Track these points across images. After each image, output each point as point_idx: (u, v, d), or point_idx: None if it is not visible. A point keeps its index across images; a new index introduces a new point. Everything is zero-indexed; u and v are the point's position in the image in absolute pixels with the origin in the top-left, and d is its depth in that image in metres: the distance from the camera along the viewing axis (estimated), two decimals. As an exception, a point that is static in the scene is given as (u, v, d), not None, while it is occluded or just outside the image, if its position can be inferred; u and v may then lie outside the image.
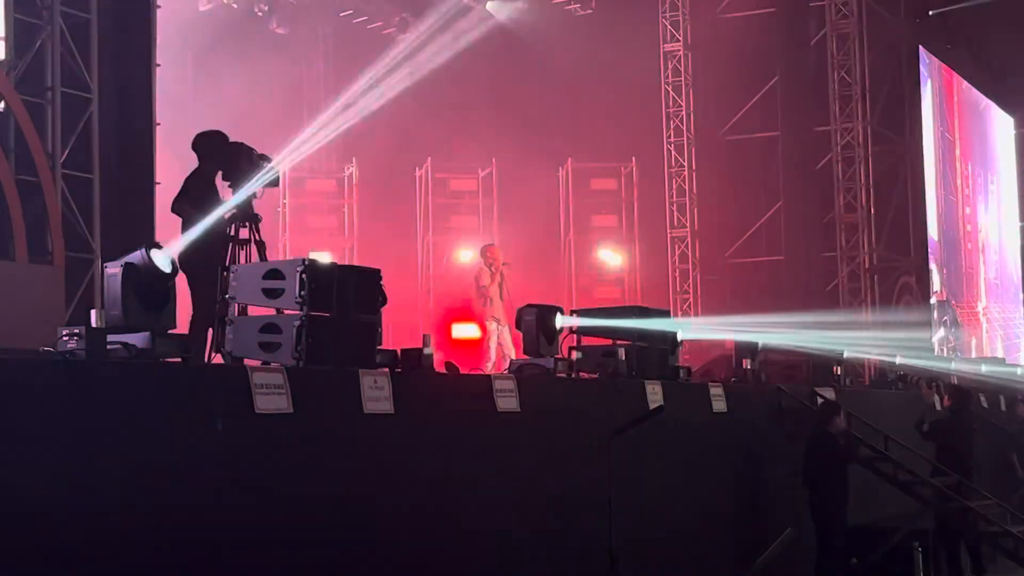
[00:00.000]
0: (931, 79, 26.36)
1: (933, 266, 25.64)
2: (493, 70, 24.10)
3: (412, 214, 23.67)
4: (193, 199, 10.43)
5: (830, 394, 13.73)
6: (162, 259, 7.90)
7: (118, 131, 13.38)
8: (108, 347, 7.16)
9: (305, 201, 23.17)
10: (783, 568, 11.88)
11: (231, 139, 10.78)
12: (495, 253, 17.55)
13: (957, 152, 28.41)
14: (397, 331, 18.82)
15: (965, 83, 29.17)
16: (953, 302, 27.12)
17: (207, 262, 9.98)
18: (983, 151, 30.66)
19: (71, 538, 5.97)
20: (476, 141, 23.61)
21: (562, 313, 11.12)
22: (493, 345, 16.93)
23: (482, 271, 17.33)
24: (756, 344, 13.77)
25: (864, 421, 13.70)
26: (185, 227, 10.40)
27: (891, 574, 13.39)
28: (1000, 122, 32.01)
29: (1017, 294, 31.92)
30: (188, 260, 9.82)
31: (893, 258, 24.12)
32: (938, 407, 15.66)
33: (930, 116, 26.05)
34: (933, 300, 25.11)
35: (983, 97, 30.68)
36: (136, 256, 7.86)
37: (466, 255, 23.24)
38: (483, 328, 17.25)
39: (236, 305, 8.40)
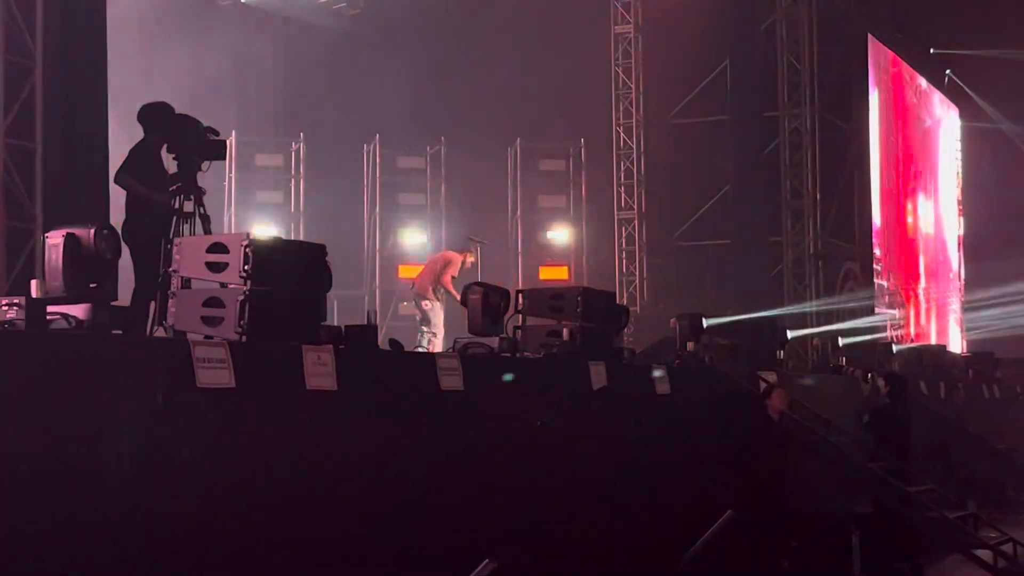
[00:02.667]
0: (879, 87, 26.56)
1: (877, 251, 25.88)
2: (443, 48, 24.03)
3: (359, 191, 23.57)
4: (137, 171, 10.35)
5: (773, 378, 13.80)
6: (107, 245, 7.83)
7: (65, 100, 13.20)
8: (48, 318, 7.09)
9: (251, 175, 23.00)
10: (722, 551, 11.95)
11: (178, 111, 10.71)
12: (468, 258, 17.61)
13: (900, 142, 28.65)
14: (343, 307, 18.89)
15: (908, 86, 29.37)
16: (900, 286, 27.46)
17: (150, 235, 9.92)
18: (924, 149, 30.93)
19: (4, 510, 5.91)
20: (425, 119, 23.55)
21: (508, 297, 11.11)
22: (439, 319, 16.99)
23: (453, 264, 17.28)
24: (700, 324, 13.84)
25: (805, 405, 13.79)
26: (128, 199, 10.33)
27: (828, 558, 13.52)
28: (945, 120, 32.35)
29: (951, 280, 32.33)
30: (131, 233, 9.77)
31: (838, 244, 24.28)
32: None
33: (876, 109, 26.26)
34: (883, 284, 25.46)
35: (931, 91, 30.94)
36: (82, 232, 7.79)
37: (414, 236, 23.23)
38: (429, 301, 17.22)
39: (179, 278, 8.33)
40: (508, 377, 9.95)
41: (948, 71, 31.58)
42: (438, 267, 17.33)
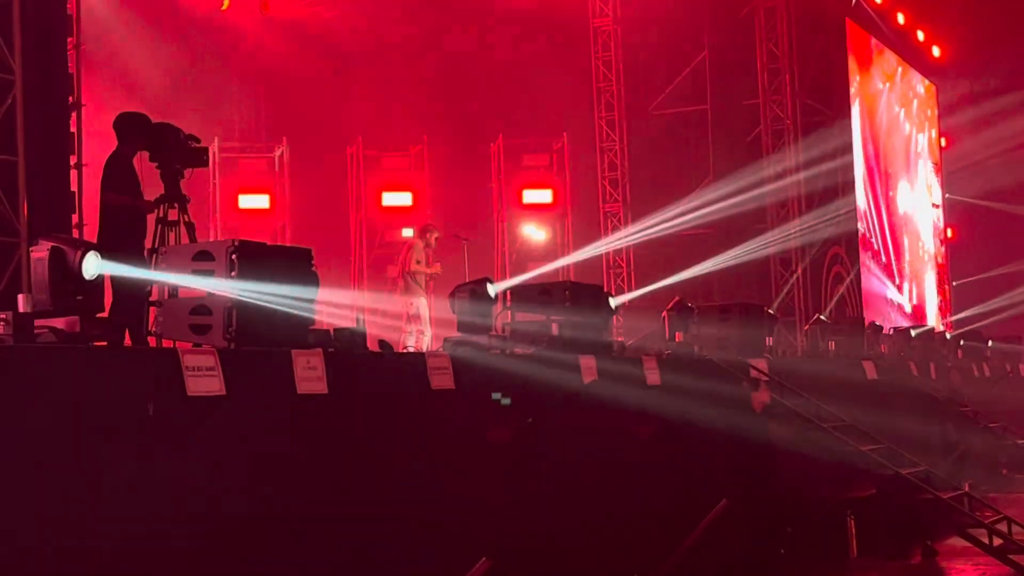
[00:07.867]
0: (859, 71, 26.58)
1: (861, 230, 25.92)
2: (421, 46, 24.01)
3: (344, 193, 23.53)
4: (116, 184, 10.33)
5: (763, 365, 13.81)
6: (92, 265, 7.82)
7: (41, 112, 13.13)
8: (36, 332, 7.08)
9: (236, 181, 22.94)
10: (718, 540, 11.96)
11: (158, 120, 10.70)
12: (433, 234, 17.82)
13: (878, 126, 28.70)
14: (331, 310, 18.86)
15: (886, 68, 29.39)
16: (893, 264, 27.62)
17: (129, 246, 9.92)
18: (901, 132, 30.97)
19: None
20: (406, 118, 23.53)
21: (491, 282, 11.20)
22: (426, 315, 17.16)
23: (416, 248, 17.48)
24: (692, 312, 13.91)
25: (796, 391, 13.79)
26: (103, 213, 10.30)
27: (825, 542, 13.55)
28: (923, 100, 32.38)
29: (928, 263, 32.44)
30: (108, 244, 9.74)
31: (824, 230, 24.29)
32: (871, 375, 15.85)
33: (856, 93, 26.30)
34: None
35: (909, 71, 30.97)
36: (68, 247, 7.78)
37: (406, 232, 23.21)
38: (407, 302, 17.40)
39: (166, 287, 8.32)
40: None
41: (923, 50, 31.59)
42: (402, 258, 17.55)
